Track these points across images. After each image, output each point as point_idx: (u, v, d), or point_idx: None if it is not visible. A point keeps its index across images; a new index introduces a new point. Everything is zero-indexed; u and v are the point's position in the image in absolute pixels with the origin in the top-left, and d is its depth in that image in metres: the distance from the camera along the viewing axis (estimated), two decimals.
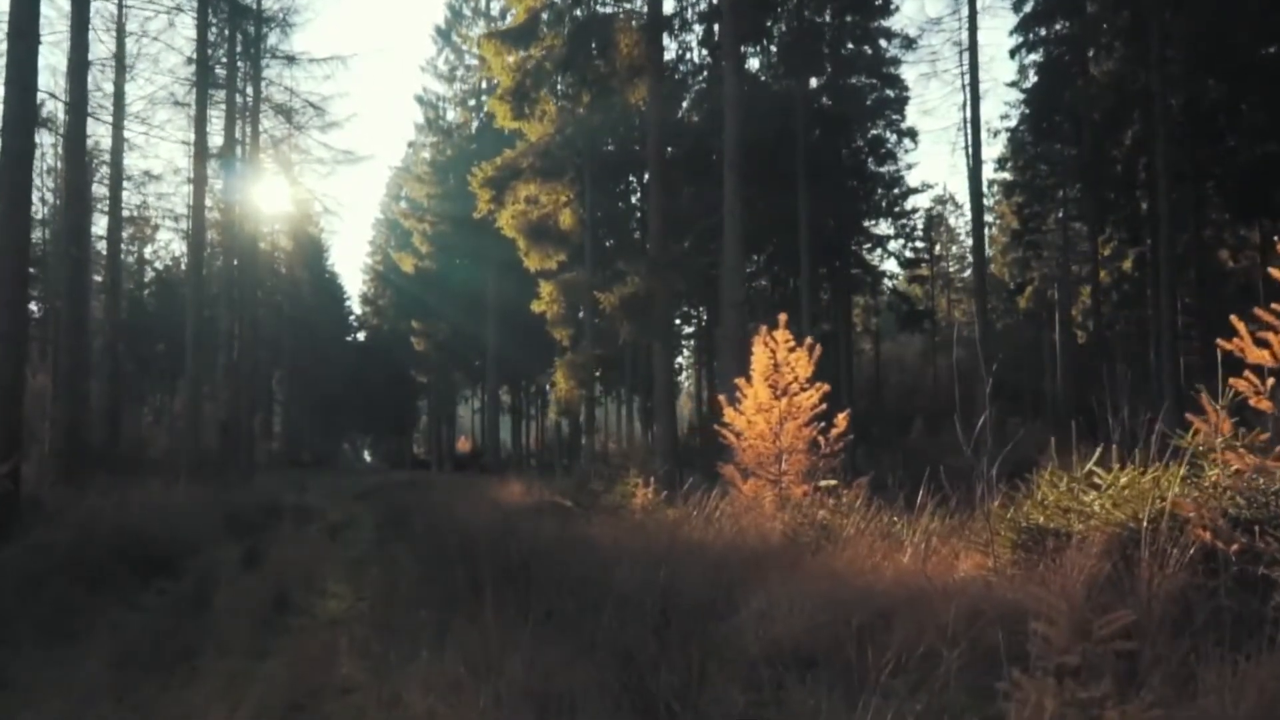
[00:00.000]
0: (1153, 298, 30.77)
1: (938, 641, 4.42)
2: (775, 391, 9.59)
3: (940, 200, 52.80)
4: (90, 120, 25.61)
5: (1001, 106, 51.26)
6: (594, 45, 18.57)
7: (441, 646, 4.99)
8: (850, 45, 29.91)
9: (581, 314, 24.89)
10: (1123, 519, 4.55)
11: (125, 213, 31.51)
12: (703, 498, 9.69)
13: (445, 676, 4.41)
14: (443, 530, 10.72)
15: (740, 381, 9.97)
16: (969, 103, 24.51)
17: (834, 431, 9.43)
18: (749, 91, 24.10)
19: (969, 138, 25.45)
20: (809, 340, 9.77)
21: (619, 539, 7.82)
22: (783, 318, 9.89)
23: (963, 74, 30.69)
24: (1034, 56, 30.52)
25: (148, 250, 46.72)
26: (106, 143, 27.12)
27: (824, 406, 9.53)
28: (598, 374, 27.98)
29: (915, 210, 42.27)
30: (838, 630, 4.82)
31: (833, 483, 9.21)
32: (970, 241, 52.46)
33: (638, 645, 4.38)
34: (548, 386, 51.17)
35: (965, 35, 26.10)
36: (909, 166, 53.96)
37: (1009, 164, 38.78)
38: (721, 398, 10.20)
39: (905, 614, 4.79)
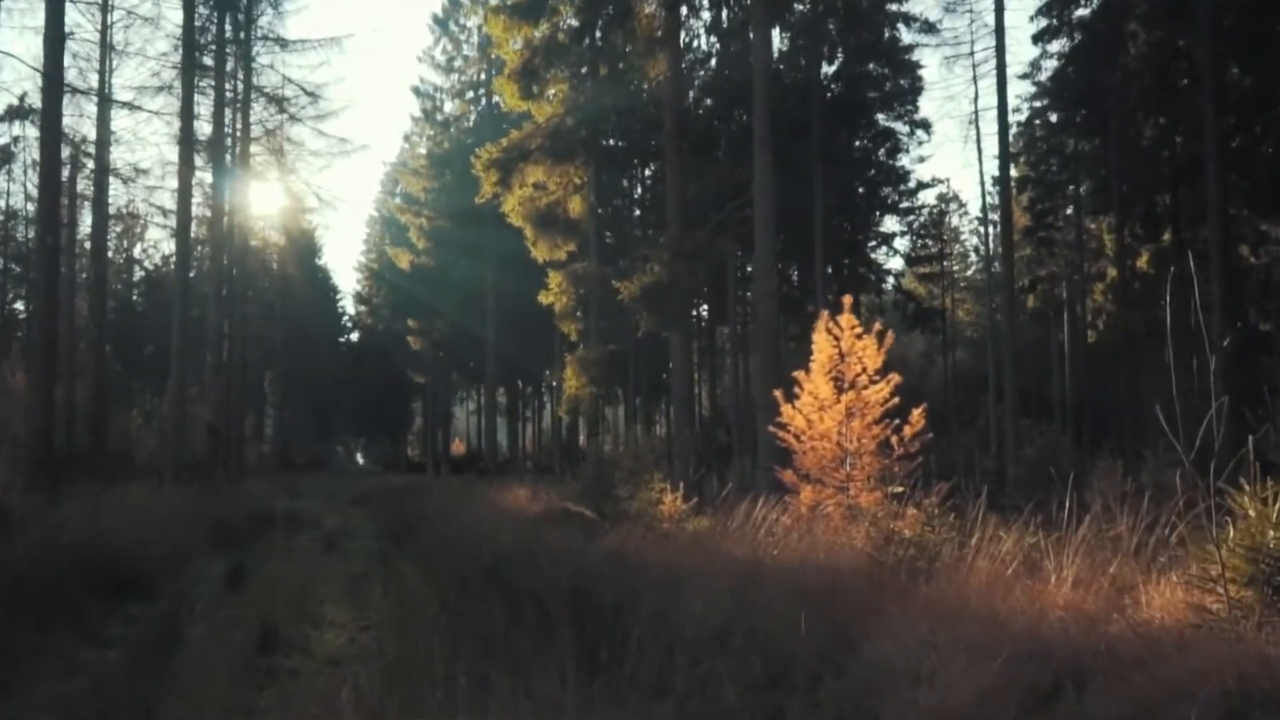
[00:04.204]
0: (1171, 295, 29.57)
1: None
2: (840, 385, 8.36)
3: (944, 199, 51.52)
4: (75, 112, 24.34)
5: (1012, 99, 49.93)
6: (610, 15, 17.28)
7: (484, 715, 3.73)
8: (866, 32, 28.75)
9: (580, 312, 23.64)
10: None
11: (112, 209, 30.17)
12: (751, 507, 8.44)
13: None
14: (455, 544, 9.46)
15: (800, 375, 8.71)
16: (997, 85, 23.30)
17: (908, 430, 8.19)
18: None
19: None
20: (878, 326, 8.54)
21: (678, 559, 6.56)
22: (847, 300, 8.68)
23: (974, 66, 29.64)
24: (1057, 45, 29.45)
25: (136, 249, 45.65)
26: (93, 135, 25.77)
27: (896, 401, 8.29)
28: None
29: (924, 206, 41.23)
30: (1020, 697, 3.59)
31: (899, 489, 8.00)
32: (974, 240, 51.63)
33: None
34: (544, 389, 49.92)
35: (991, 18, 24.97)
36: (920, 160, 52.18)
37: (1020, 159, 37.73)
38: (778, 394, 8.92)
39: (1110, 675, 3.56)
